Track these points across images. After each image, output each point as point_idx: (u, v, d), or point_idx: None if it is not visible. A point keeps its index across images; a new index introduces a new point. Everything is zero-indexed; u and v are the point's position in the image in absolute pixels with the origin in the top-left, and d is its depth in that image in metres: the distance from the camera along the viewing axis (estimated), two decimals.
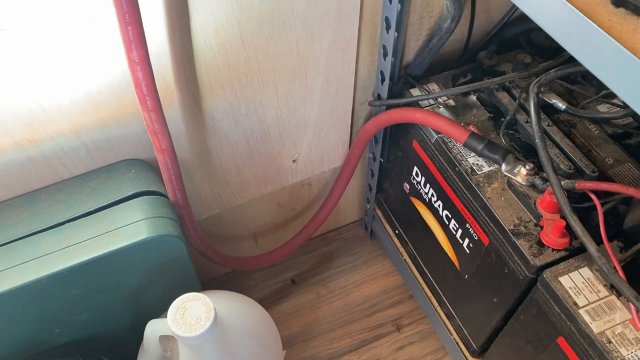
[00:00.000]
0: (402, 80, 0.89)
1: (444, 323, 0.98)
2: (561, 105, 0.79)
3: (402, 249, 1.07)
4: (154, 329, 0.70)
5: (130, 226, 0.70)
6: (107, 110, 0.70)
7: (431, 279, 0.99)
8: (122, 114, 0.72)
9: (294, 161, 0.98)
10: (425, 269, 1.00)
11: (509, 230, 0.72)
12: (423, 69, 0.88)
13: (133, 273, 0.74)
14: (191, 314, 0.66)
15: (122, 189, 0.74)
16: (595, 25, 0.42)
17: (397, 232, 1.07)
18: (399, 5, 0.75)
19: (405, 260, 1.06)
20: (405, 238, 1.05)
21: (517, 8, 0.89)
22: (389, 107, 0.88)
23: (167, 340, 0.74)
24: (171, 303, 0.77)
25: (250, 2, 0.68)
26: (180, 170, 0.74)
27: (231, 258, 0.97)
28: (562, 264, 0.69)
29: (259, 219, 1.09)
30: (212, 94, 0.76)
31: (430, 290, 1.01)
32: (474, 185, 0.76)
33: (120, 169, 0.77)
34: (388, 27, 0.78)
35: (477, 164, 0.78)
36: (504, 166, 0.75)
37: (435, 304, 1.00)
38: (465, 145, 0.77)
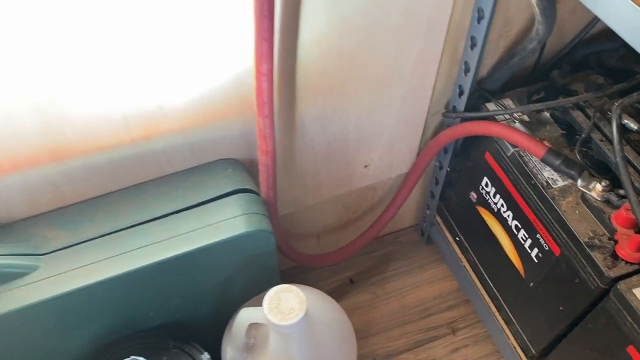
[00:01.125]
0: (477, 94, 0.93)
1: (502, 328, 1.02)
2: (633, 125, 0.83)
3: (461, 255, 1.11)
4: (246, 316, 0.76)
5: (230, 220, 0.76)
6: (213, 113, 0.76)
7: (491, 285, 1.03)
8: (227, 116, 0.78)
9: (365, 166, 1.03)
10: (485, 275, 1.05)
11: (584, 242, 0.76)
12: (499, 85, 0.93)
13: (227, 263, 0.80)
14: (285, 304, 0.71)
15: (220, 185, 0.80)
16: None
17: (457, 238, 1.12)
18: (486, 25, 0.79)
19: (464, 266, 1.10)
20: (466, 245, 1.09)
21: (589, 29, 0.94)
22: (464, 120, 0.93)
23: (252, 328, 0.80)
24: (252, 293, 0.83)
25: (352, 18, 0.74)
26: (276, 171, 0.79)
27: (302, 255, 1.03)
28: (635, 277, 0.73)
29: (324, 219, 1.14)
30: (306, 100, 0.82)
31: (489, 296, 1.05)
32: (549, 199, 0.80)
33: (218, 167, 0.82)
34: (473, 46, 0.83)
35: (552, 178, 0.83)
36: (579, 182, 0.79)
37: (494, 309, 1.04)
38: (543, 160, 0.81)
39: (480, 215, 0.99)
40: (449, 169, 1.06)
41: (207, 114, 0.76)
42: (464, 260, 1.11)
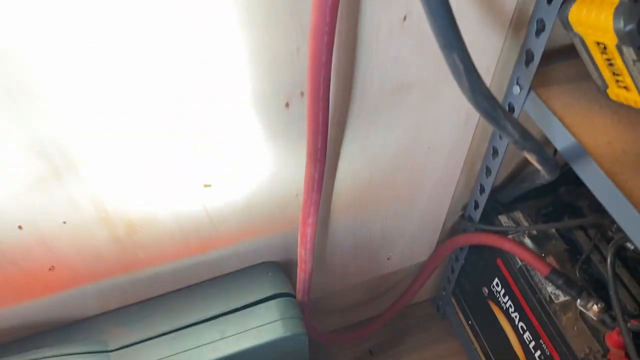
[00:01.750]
0: (491, 204, 1.04)
1: None
2: (630, 245, 0.93)
3: (473, 338, 1.22)
4: None
5: (270, 325, 0.88)
6: (260, 230, 0.88)
7: None
8: (271, 232, 0.90)
9: (388, 258, 1.14)
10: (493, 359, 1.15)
11: (580, 358, 0.86)
12: (511, 199, 1.03)
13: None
14: None
15: (262, 289, 0.91)
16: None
17: (469, 322, 1.22)
18: (502, 158, 0.90)
19: (475, 348, 1.21)
20: (478, 329, 1.19)
21: None
22: (479, 230, 1.03)
23: None
24: None
25: (382, 158, 0.85)
26: (311, 281, 0.91)
27: (329, 336, 1.14)
28: None
29: (348, 298, 1.26)
30: (339, 216, 0.94)
31: None
32: (551, 313, 0.91)
33: (261, 271, 0.94)
34: (488, 174, 0.94)
35: (554, 293, 0.93)
36: (578, 301, 0.90)
37: None
38: (547, 278, 0.92)
39: (491, 309, 1.10)
40: (464, 262, 1.17)
41: (255, 231, 0.88)
42: (475, 342, 1.21)
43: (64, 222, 0.71)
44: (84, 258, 0.77)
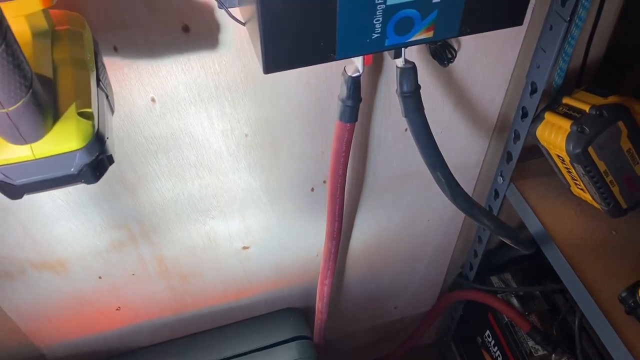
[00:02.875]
0: (484, 266, 1.21)
1: None
2: None
3: None
4: None
5: None
6: (286, 283, 1.06)
7: None
8: (295, 284, 1.08)
9: (395, 307, 1.31)
10: None
11: None
12: (501, 262, 1.20)
13: None
14: None
15: (284, 332, 1.09)
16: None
17: None
18: (488, 235, 1.07)
19: None
20: None
21: None
22: (473, 288, 1.20)
23: None
24: None
25: (389, 227, 1.03)
26: (327, 327, 1.08)
27: None
28: None
29: (358, 340, 1.42)
30: (352, 273, 1.11)
31: None
32: None
33: (283, 316, 1.12)
34: (480, 241, 1.11)
35: (534, 347, 1.09)
36: (553, 356, 1.05)
37: None
38: (527, 334, 1.07)
39: (484, 357, 1.25)
40: (462, 313, 1.33)
41: (281, 283, 1.06)
42: None
43: (133, 274, 0.90)
44: (144, 301, 0.96)
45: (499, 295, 1.15)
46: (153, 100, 0.66)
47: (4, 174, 0.41)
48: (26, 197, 0.68)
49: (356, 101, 0.63)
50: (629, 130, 0.76)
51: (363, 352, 1.47)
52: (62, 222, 0.76)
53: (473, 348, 1.31)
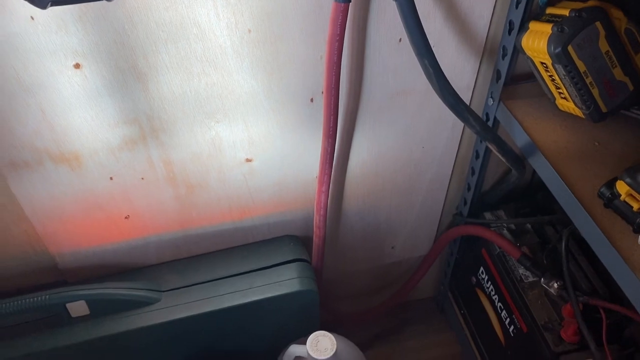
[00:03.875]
0: (479, 204, 1.25)
1: None
2: None
3: (464, 326, 1.40)
4: (294, 350, 1.08)
5: (289, 281, 1.10)
6: (286, 205, 1.12)
7: (483, 350, 1.32)
8: (295, 207, 1.13)
9: (392, 247, 1.35)
10: (480, 343, 1.33)
11: (541, 325, 1.05)
12: (496, 199, 1.24)
13: (283, 311, 1.13)
14: (322, 344, 1.03)
15: (284, 255, 1.14)
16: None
17: (462, 312, 1.41)
18: (481, 161, 1.12)
19: (466, 335, 1.39)
20: (468, 318, 1.38)
21: None
22: (467, 223, 1.24)
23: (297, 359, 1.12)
24: (299, 336, 1.14)
25: (385, 153, 1.08)
26: (324, 249, 1.13)
27: (338, 312, 1.35)
28: (574, 353, 1.01)
29: (357, 285, 1.46)
30: (350, 201, 1.16)
31: (481, 357, 1.33)
32: (520, 290, 1.10)
33: (284, 241, 1.17)
34: (473, 173, 1.16)
35: (524, 274, 1.13)
36: (542, 280, 1.09)
37: None
38: (518, 261, 1.11)
39: (478, 296, 1.29)
40: (457, 256, 1.37)
41: (282, 205, 1.11)
42: (466, 329, 1.40)
43: (142, 178, 0.96)
44: (152, 211, 1.02)
45: (491, 228, 1.19)
46: None
47: None
48: (45, 79, 0.75)
49: None
50: (607, 32, 0.81)
51: (361, 300, 1.51)
52: (79, 110, 0.83)
53: (468, 290, 1.34)
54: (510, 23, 0.90)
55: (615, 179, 0.81)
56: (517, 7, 0.87)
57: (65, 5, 0.51)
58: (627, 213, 0.78)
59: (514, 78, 0.98)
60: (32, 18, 0.70)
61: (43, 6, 0.49)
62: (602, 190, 0.82)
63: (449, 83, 0.79)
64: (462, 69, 0.98)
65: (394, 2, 0.71)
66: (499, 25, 0.94)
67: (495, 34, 0.95)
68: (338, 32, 0.73)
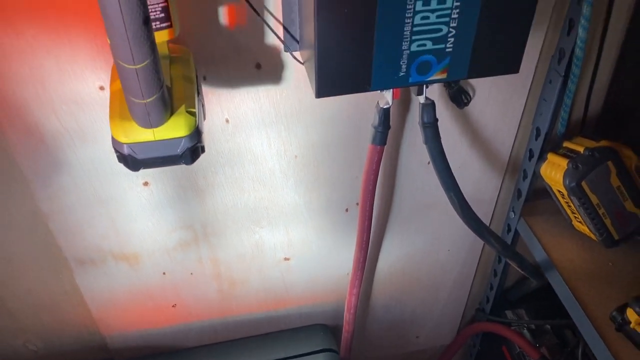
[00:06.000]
0: (501, 302, 1.31)
1: None
2: None
3: None
4: None
5: None
6: (319, 299, 1.20)
7: None
8: (326, 301, 1.21)
9: (417, 337, 1.42)
10: None
11: None
12: (517, 297, 1.31)
13: None
14: None
15: (314, 344, 1.22)
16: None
17: None
18: (505, 263, 1.19)
19: None
20: None
21: None
22: (489, 320, 1.30)
23: None
24: None
25: (414, 255, 1.17)
26: (352, 342, 1.20)
27: None
28: None
29: None
30: (377, 296, 1.24)
31: None
32: None
33: (315, 330, 1.25)
34: (495, 275, 1.23)
35: None
36: None
37: None
38: None
39: None
40: (479, 348, 1.42)
41: (314, 298, 1.20)
42: None
43: (191, 274, 1.06)
44: (197, 301, 1.12)
45: (512, 328, 1.25)
46: (227, 121, 0.84)
47: (132, 150, 0.59)
48: (117, 193, 0.87)
49: (386, 128, 0.79)
50: (618, 170, 0.89)
51: None
52: (143, 219, 0.94)
53: None
54: (531, 151, 0.99)
55: (626, 305, 0.88)
56: (536, 139, 0.97)
57: (152, 167, 0.62)
58: (638, 340, 0.84)
59: (534, 193, 1.06)
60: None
61: (136, 169, 0.60)
62: (613, 314, 0.88)
63: (472, 211, 0.88)
64: (485, 185, 1.07)
65: (425, 145, 0.81)
66: (519, 151, 1.03)
67: (517, 158, 1.04)
68: (374, 169, 0.83)
